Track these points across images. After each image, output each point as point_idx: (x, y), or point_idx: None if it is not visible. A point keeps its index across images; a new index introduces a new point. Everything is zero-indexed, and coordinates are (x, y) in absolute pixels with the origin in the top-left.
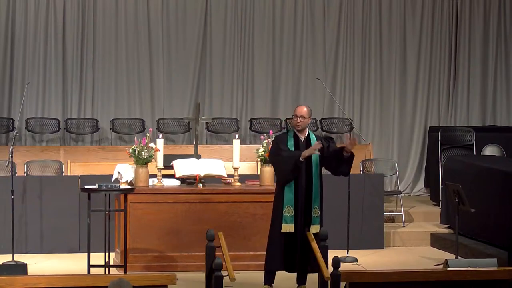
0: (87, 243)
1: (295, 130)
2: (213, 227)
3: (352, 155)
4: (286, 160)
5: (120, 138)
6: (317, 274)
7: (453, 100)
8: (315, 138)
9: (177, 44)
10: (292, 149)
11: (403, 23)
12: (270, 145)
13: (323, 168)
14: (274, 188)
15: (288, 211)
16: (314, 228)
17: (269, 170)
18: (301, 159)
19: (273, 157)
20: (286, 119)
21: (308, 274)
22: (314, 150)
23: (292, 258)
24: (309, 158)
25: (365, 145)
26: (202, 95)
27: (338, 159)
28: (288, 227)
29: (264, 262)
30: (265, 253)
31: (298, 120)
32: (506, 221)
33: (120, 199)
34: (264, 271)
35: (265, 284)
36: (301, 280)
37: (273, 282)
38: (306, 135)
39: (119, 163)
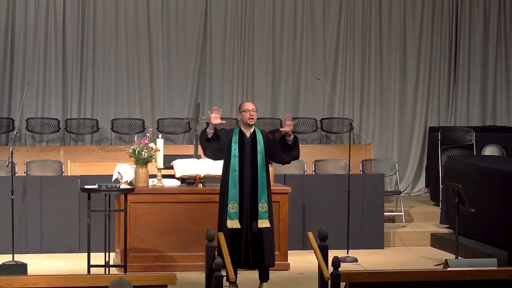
0: (87, 243)
1: (241, 127)
2: (213, 227)
3: (295, 138)
4: (201, 135)
5: (120, 138)
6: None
7: (453, 100)
8: (261, 135)
9: (177, 44)
10: (237, 145)
11: (403, 23)
12: None
13: (273, 162)
14: (274, 188)
15: (233, 207)
16: (263, 223)
17: (269, 170)
18: (208, 131)
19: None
20: None
21: (269, 270)
22: (216, 121)
23: (238, 254)
24: (254, 152)
25: (365, 145)
26: (202, 95)
27: (284, 147)
28: (233, 223)
29: None
30: None
31: (252, 113)
32: (506, 221)
33: (120, 199)
34: None
35: None
36: (263, 277)
37: None
38: (252, 131)
39: (119, 163)
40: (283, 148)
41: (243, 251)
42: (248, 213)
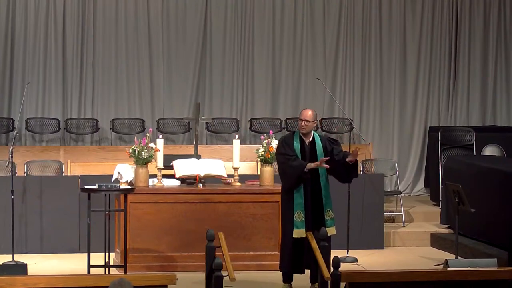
0: (87, 243)
1: (300, 133)
2: (213, 227)
3: (356, 161)
4: (292, 169)
5: (120, 138)
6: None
7: (453, 100)
8: (320, 142)
9: (177, 44)
10: (298, 152)
11: (403, 23)
12: (277, 144)
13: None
14: (274, 188)
15: (299, 216)
16: (330, 231)
17: (269, 170)
18: (305, 170)
19: (281, 159)
20: (286, 119)
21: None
22: (320, 164)
23: (300, 260)
24: (313, 159)
25: (365, 145)
26: (202, 95)
27: (345, 167)
28: (299, 232)
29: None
30: (265, 253)
31: (303, 124)
32: (506, 221)
33: (120, 199)
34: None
35: (284, 283)
36: (315, 279)
37: (291, 280)
38: (311, 138)
39: (119, 163)
40: (345, 168)
41: (306, 257)
42: (312, 221)
